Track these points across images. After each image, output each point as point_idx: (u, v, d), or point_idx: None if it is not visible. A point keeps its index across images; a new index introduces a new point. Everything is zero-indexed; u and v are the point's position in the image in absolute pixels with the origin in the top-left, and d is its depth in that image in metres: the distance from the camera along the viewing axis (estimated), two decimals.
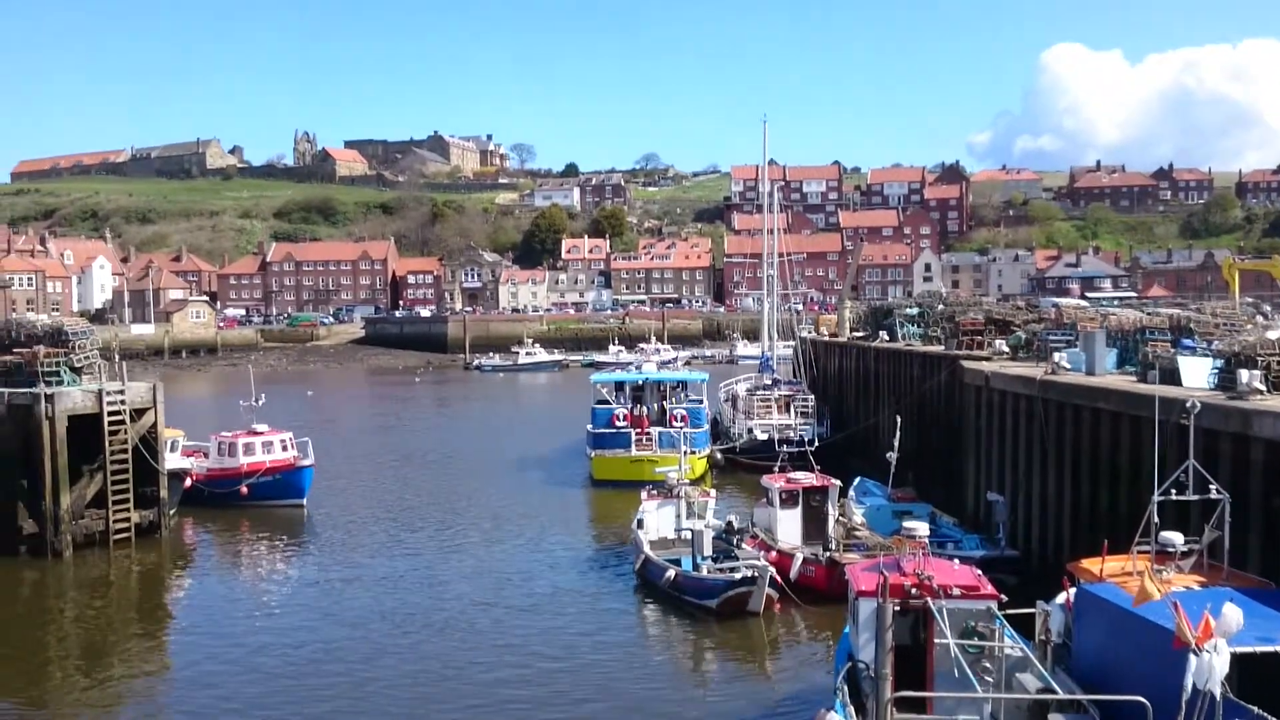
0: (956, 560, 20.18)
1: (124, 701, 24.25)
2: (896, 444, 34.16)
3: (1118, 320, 36.34)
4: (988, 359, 36.49)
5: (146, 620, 31.04)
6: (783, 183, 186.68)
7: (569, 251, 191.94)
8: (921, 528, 20.12)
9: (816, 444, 44.33)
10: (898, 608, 16.58)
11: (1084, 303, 68.96)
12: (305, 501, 44.87)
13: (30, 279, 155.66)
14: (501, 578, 33.00)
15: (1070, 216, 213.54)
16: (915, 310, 51.81)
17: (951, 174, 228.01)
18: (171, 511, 40.75)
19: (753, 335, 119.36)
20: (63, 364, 38.31)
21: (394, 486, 50.06)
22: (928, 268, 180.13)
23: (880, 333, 51.77)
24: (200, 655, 26.84)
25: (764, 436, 50.27)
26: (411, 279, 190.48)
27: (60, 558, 35.69)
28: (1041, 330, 37.17)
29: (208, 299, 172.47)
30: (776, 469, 34.59)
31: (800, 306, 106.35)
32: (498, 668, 25.01)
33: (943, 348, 41.56)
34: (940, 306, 51.04)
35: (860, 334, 58.29)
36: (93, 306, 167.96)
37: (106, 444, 37.05)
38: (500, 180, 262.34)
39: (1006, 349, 37.66)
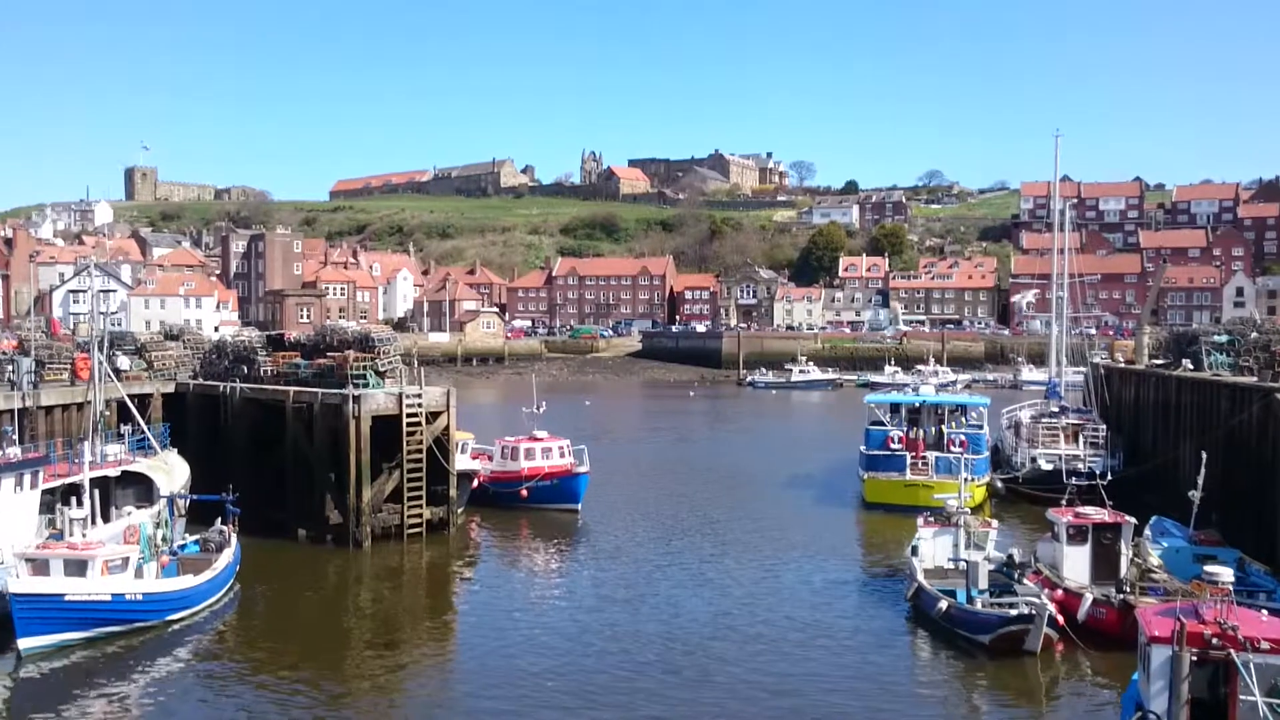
0: (1265, 611, 18.45)
1: (411, 684, 25.88)
2: (1200, 482, 31.53)
3: None
4: None
5: (433, 611, 32.99)
6: (1076, 200, 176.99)
7: (846, 269, 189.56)
8: (1226, 573, 18.54)
9: (1108, 477, 41.73)
10: (1195, 658, 15.43)
11: None
12: (580, 507, 46.37)
13: (343, 289, 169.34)
14: (767, 599, 32.89)
15: None
16: (1225, 338, 47.90)
17: (1270, 190, 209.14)
18: (460, 510, 43.16)
19: (1039, 360, 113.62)
20: (369, 368, 41.41)
21: (664, 498, 50.91)
22: (1239, 292, 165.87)
23: (1184, 361, 48.17)
24: (480, 649, 28.24)
25: (1049, 467, 47.86)
26: (688, 294, 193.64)
27: (360, 548, 38.51)
28: None
29: (497, 310, 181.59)
30: (1064, 502, 32.78)
31: (1093, 331, 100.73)
32: (760, 692, 24.90)
33: (1256, 379, 38.28)
34: (1254, 334, 46.98)
35: (1160, 362, 54.49)
36: (396, 315, 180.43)
37: (404, 444, 39.68)
38: (779, 198, 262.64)
39: None
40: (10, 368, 44.04)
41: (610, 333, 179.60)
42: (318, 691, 25.03)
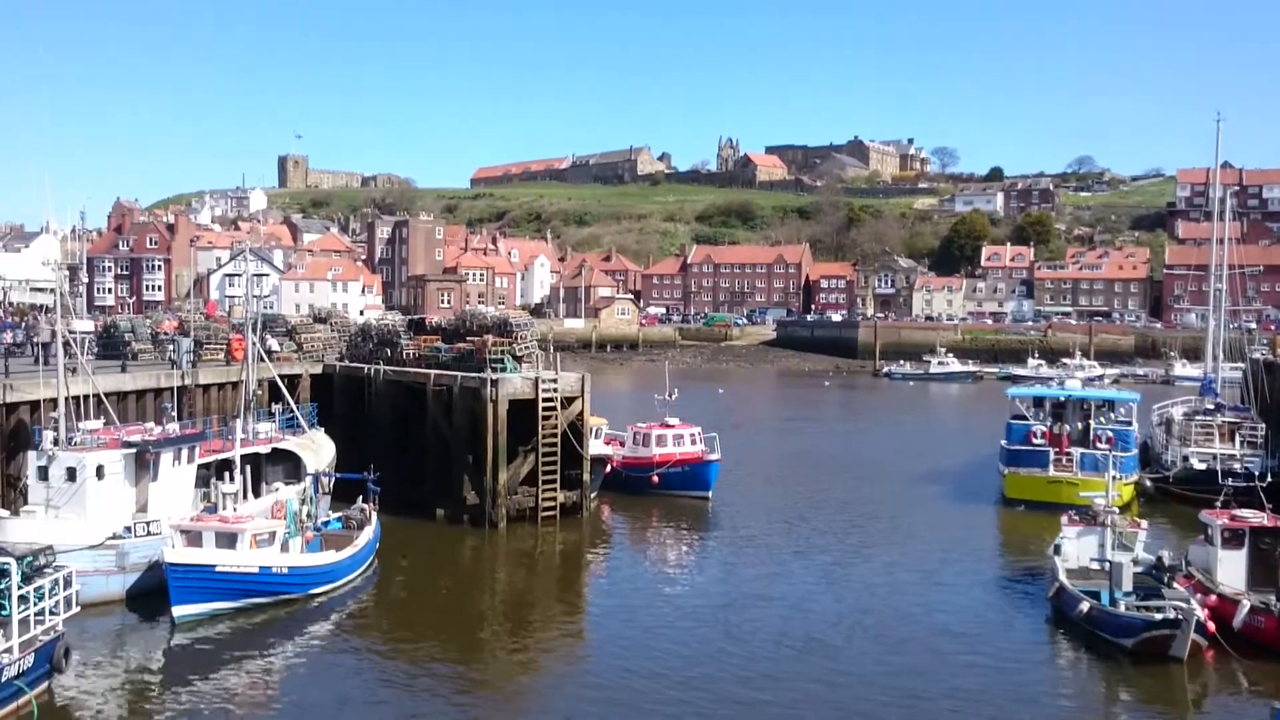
0: None
1: (542, 663, 26.30)
2: None
3: None
4: None
5: (565, 593, 33.43)
6: (1238, 187, 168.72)
7: (989, 259, 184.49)
8: None
9: (1267, 479, 39.66)
10: None
11: None
12: (710, 495, 46.31)
13: (482, 275, 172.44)
14: (899, 596, 32.26)
15: None
16: None
17: None
18: (593, 494, 43.57)
19: (1194, 354, 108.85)
20: (507, 352, 42.08)
21: (795, 489, 50.46)
22: None
23: None
24: (609, 632, 28.52)
25: (1201, 466, 45.78)
26: (824, 283, 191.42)
27: (496, 529, 39.23)
28: None
29: (632, 297, 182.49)
30: (1219, 504, 31.27)
31: (1253, 325, 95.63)
32: (890, 691, 24.41)
33: None
34: None
35: None
36: (533, 301, 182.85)
37: (540, 428, 40.21)
38: (920, 185, 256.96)
39: None
40: (171, 347, 46.24)
41: (744, 321, 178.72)
42: (450, 667, 25.62)
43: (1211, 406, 52.89)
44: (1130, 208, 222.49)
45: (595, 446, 44.55)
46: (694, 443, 47.71)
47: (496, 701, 23.95)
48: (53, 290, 37.58)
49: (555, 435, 40.54)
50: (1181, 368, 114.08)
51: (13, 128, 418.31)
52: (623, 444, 49.06)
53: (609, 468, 46.43)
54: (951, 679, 24.95)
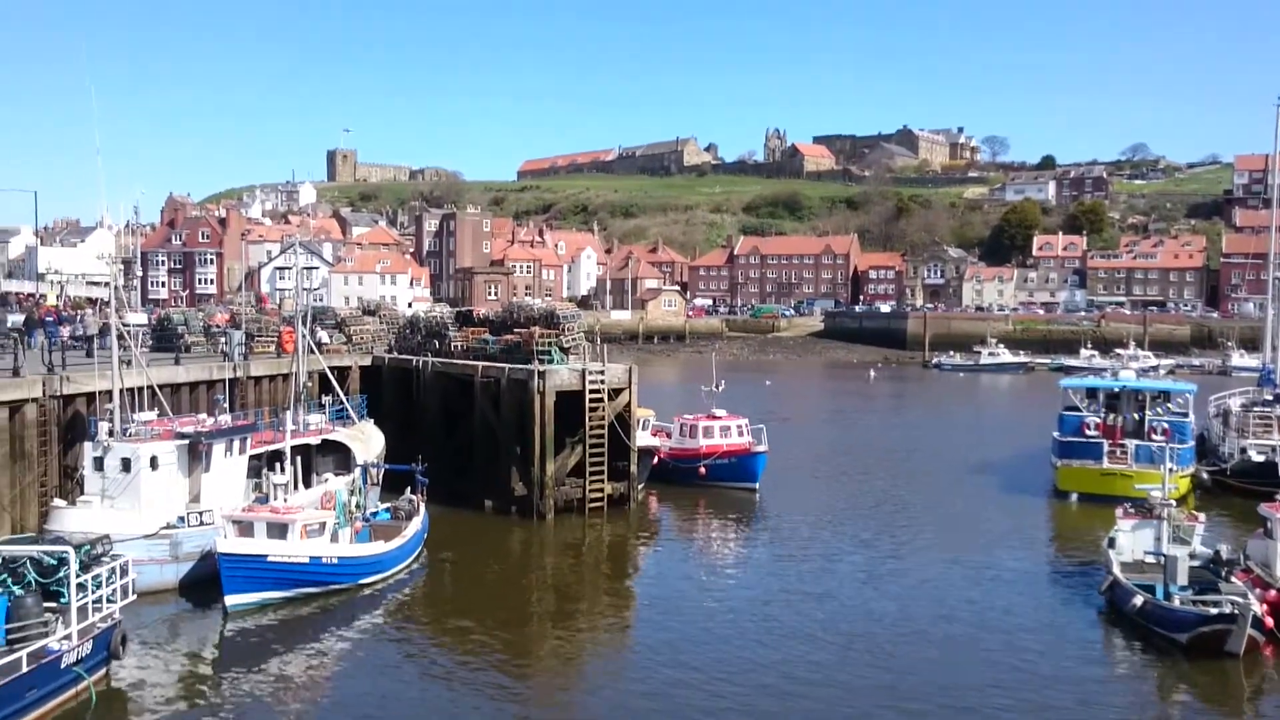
0: None
1: (588, 656, 26.32)
2: None
3: None
4: None
5: (612, 585, 33.44)
6: None
7: (1040, 248, 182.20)
8: None
9: None
10: None
11: None
12: (758, 486, 46.16)
13: (529, 267, 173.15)
14: (948, 590, 31.89)
15: None
16: None
17: None
18: (640, 486, 43.57)
19: (1251, 345, 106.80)
20: (554, 344, 42.17)
21: (843, 480, 50.16)
22: None
23: None
24: (655, 625, 28.43)
25: (1260, 458, 44.90)
26: (872, 274, 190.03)
27: (543, 520, 39.34)
28: None
29: (679, 289, 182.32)
30: (1278, 497, 30.64)
31: None
32: (939, 688, 24.16)
33: None
34: None
35: None
36: (579, 293, 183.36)
37: (587, 419, 40.26)
38: (969, 174, 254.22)
39: None
40: (223, 340, 46.82)
41: (792, 312, 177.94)
42: (496, 658, 25.70)
43: (1270, 397, 51.87)
44: (1186, 195, 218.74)
45: (642, 438, 44.51)
46: (741, 434, 47.54)
47: (542, 693, 24.01)
48: (107, 284, 38.12)
49: (602, 427, 40.56)
50: (1239, 358, 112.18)
51: (68, 125, 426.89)
52: (670, 435, 48.99)
53: (656, 459, 46.38)
54: (1001, 674, 24.66)
